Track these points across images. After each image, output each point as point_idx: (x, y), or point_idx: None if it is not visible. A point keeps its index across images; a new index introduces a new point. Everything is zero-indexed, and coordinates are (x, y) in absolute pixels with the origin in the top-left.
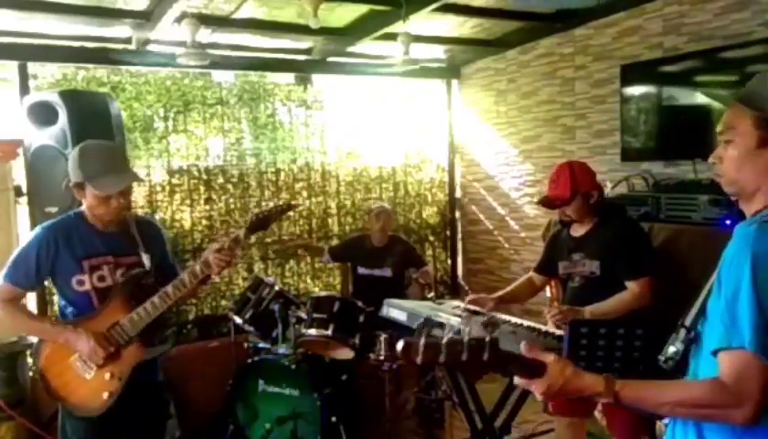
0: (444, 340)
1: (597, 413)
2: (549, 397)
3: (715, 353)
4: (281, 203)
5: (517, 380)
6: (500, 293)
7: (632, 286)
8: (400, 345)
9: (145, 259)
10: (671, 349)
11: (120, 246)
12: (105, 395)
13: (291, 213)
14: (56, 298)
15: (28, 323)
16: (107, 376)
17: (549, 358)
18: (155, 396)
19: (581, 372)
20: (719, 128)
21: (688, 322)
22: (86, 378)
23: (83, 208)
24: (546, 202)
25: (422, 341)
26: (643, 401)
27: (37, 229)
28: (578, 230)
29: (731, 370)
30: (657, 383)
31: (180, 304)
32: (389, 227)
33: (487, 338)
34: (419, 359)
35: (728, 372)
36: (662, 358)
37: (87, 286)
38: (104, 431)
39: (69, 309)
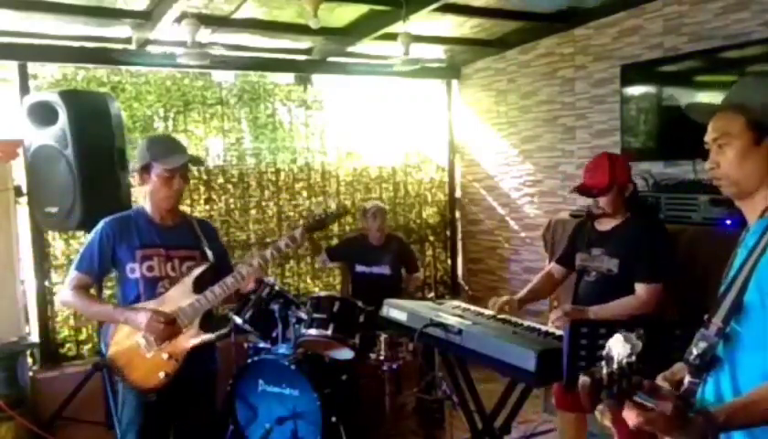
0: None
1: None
2: (639, 429)
3: None
4: (336, 208)
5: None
6: (521, 294)
7: (640, 291)
8: (584, 380)
9: (209, 252)
10: (701, 345)
11: (174, 239)
12: (162, 374)
13: (290, 213)
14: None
15: (93, 305)
16: (165, 356)
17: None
18: (208, 384)
19: (688, 421)
20: (711, 136)
21: (718, 318)
22: (146, 356)
23: (143, 203)
24: (583, 190)
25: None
26: (752, 421)
27: (100, 222)
28: (604, 225)
29: None
30: (750, 400)
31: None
32: (385, 225)
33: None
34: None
35: None
36: (690, 355)
37: (137, 274)
38: (157, 412)
39: (120, 297)
